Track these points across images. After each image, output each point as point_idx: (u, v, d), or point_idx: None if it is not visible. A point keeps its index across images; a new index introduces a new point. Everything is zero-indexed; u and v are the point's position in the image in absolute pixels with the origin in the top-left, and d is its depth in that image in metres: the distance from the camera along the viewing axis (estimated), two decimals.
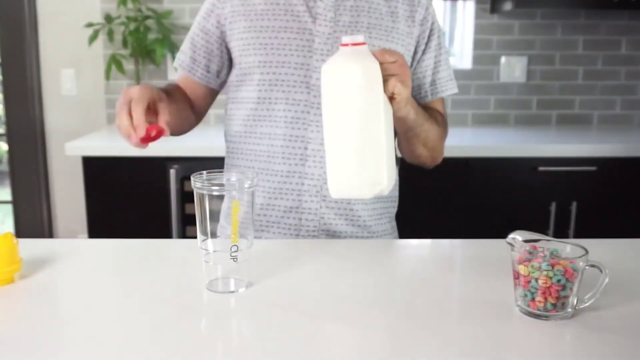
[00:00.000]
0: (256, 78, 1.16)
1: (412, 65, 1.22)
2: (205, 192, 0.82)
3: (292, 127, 1.15)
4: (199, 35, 1.22)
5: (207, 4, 1.22)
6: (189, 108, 1.26)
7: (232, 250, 0.83)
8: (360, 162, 0.93)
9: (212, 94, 1.29)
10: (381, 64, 0.92)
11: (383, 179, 0.93)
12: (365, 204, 1.19)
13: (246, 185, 0.84)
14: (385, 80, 0.93)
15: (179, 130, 1.22)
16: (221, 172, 0.87)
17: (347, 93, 0.91)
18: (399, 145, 1.21)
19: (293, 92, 1.14)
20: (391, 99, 0.96)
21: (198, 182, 0.83)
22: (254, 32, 1.15)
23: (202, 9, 1.23)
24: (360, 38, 0.92)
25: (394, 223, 1.31)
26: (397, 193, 1.28)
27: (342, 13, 1.15)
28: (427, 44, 1.22)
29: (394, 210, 1.29)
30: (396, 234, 1.31)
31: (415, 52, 1.22)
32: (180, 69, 1.26)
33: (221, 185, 0.84)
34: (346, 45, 0.92)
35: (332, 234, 1.18)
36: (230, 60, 1.23)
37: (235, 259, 0.84)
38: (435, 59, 1.24)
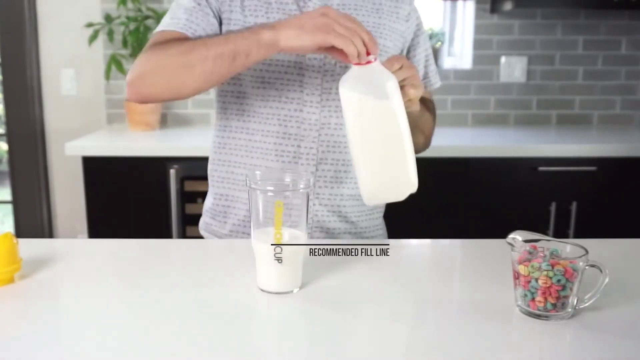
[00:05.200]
0: (250, 74, 1.15)
1: None
2: (259, 191, 0.82)
3: (285, 125, 1.15)
4: (198, 9, 1.10)
5: None
6: None
7: (276, 251, 0.82)
8: (391, 170, 1.00)
9: None
10: (393, 73, 0.98)
11: (413, 180, 1.00)
12: (355, 200, 1.20)
13: (301, 186, 0.83)
14: (400, 87, 0.98)
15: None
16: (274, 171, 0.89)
17: (372, 114, 0.97)
18: None
19: (286, 90, 1.14)
20: (406, 101, 1.01)
21: (252, 182, 0.83)
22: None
23: None
24: (371, 57, 0.96)
25: (383, 220, 1.32)
26: None
27: None
28: (415, 39, 1.26)
29: (383, 207, 1.31)
30: (385, 230, 1.32)
31: (404, 48, 1.25)
32: (175, 29, 1.08)
33: (279, 184, 0.84)
34: (359, 64, 0.96)
35: (325, 231, 1.19)
36: None
37: (279, 260, 0.83)
38: (426, 52, 1.28)
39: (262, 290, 0.86)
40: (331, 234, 1.19)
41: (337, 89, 1.12)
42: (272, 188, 0.82)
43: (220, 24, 1.13)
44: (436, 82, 1.33)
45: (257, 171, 0.87)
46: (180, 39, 1.06)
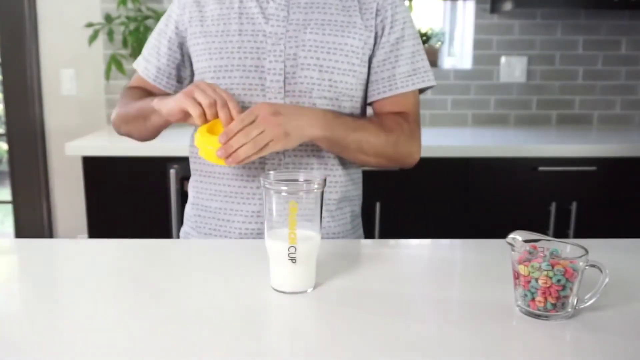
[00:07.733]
0: (212, 81, 1.15)
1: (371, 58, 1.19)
2: (272, 191, 0.82)
3: None
4: (162, 42, 1.24)
5: (168, 10, 1.24)
6: None
7: (290, 251, 0.82)
8: None
9: None
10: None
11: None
12: (326, 211, 1.17)
13: (315, 186, 0.83)
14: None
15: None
16: (289, 171, 0.89)
17: None
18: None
19: (249, 96, 1.13)
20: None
21: (266, 181, 0.83)
22: (209, 37, 1.15)
23: (163, 15, 1.26)
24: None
25: (358, 221, 1.28)
26: (359, 192, 1.27)
27: (295, 11, 1.13)
28: (382, 36, 1.16)
29: (358, 209, 1.27)
30: (361, 232, 1.30)
31: (372, 43, 1.17)
32: (144, 77, 1.27)
33: (292, 180, 0.84)
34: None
35: None
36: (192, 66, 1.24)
37: (293, 260, 0.82)
38: (396, 52, 1.17)
39: (275, 290, 0.86)
40: None
41: (299, 91, 1.12)
42: (285, 188, 0.82)
43: (182, 44, 1.22)
44: (406, 85, 1.18)
45: (271, 171, 0.87)
46: (137, 88, 1.29)
